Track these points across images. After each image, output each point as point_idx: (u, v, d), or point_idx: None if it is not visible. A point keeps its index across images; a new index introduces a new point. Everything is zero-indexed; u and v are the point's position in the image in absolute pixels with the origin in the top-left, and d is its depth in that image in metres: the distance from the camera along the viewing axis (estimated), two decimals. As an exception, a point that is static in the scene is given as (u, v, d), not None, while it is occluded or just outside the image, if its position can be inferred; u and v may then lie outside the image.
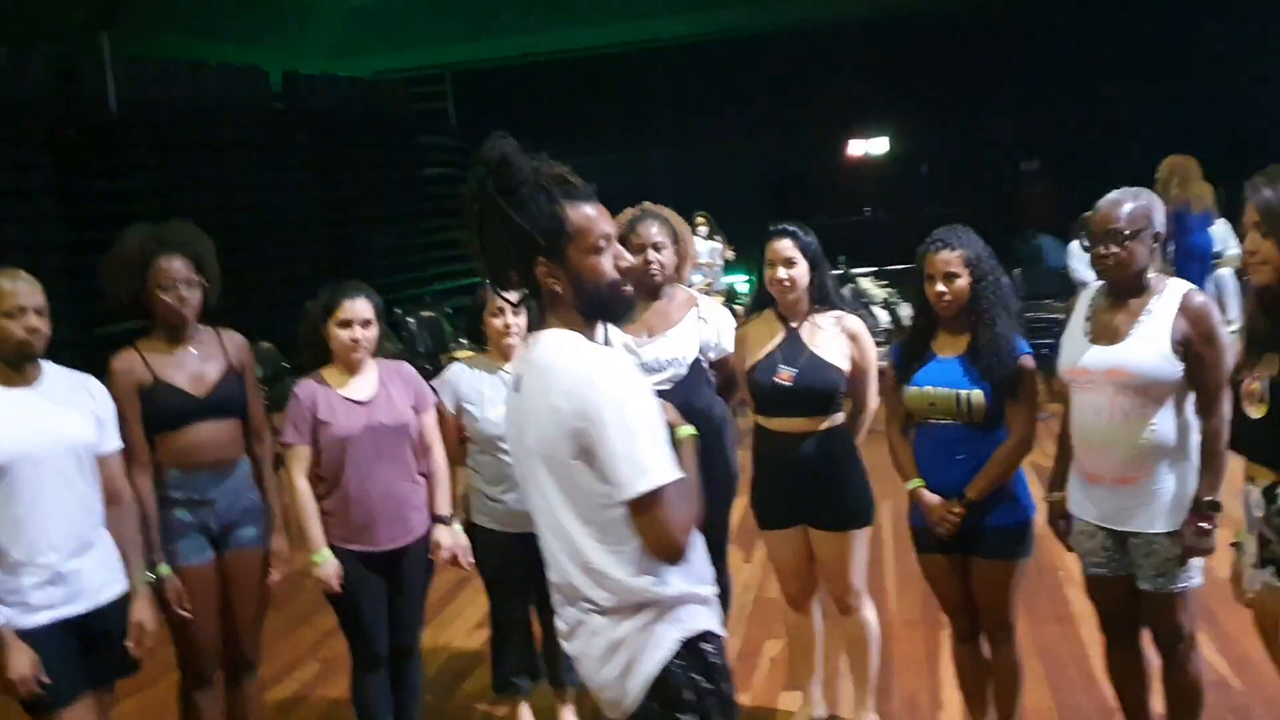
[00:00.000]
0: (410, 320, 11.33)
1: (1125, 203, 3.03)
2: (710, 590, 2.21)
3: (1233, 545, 2.83)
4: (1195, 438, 3.03)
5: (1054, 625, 4.60)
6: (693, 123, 20.31)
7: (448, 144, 18.18)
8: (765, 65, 19.44)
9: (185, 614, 3.37)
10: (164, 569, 3.34)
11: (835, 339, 3.59)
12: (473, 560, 3.74)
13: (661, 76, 19.53)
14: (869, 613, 3.74)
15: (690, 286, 12.88)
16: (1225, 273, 10.47)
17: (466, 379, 3.74)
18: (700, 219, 12.46)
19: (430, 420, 3.71)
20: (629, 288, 2.19)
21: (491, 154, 2.13)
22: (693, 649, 2.13)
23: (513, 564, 3.62)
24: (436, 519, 3.68)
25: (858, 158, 20.66)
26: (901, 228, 14.70)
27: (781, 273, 3.56)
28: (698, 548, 2.16)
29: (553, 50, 18.42)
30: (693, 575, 2.16)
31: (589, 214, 2.14)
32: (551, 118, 17.70)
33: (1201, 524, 2.97)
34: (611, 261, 2.16)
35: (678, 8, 17.04)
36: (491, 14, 17.10)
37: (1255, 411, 2.61)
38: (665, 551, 2.06)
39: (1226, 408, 2.89)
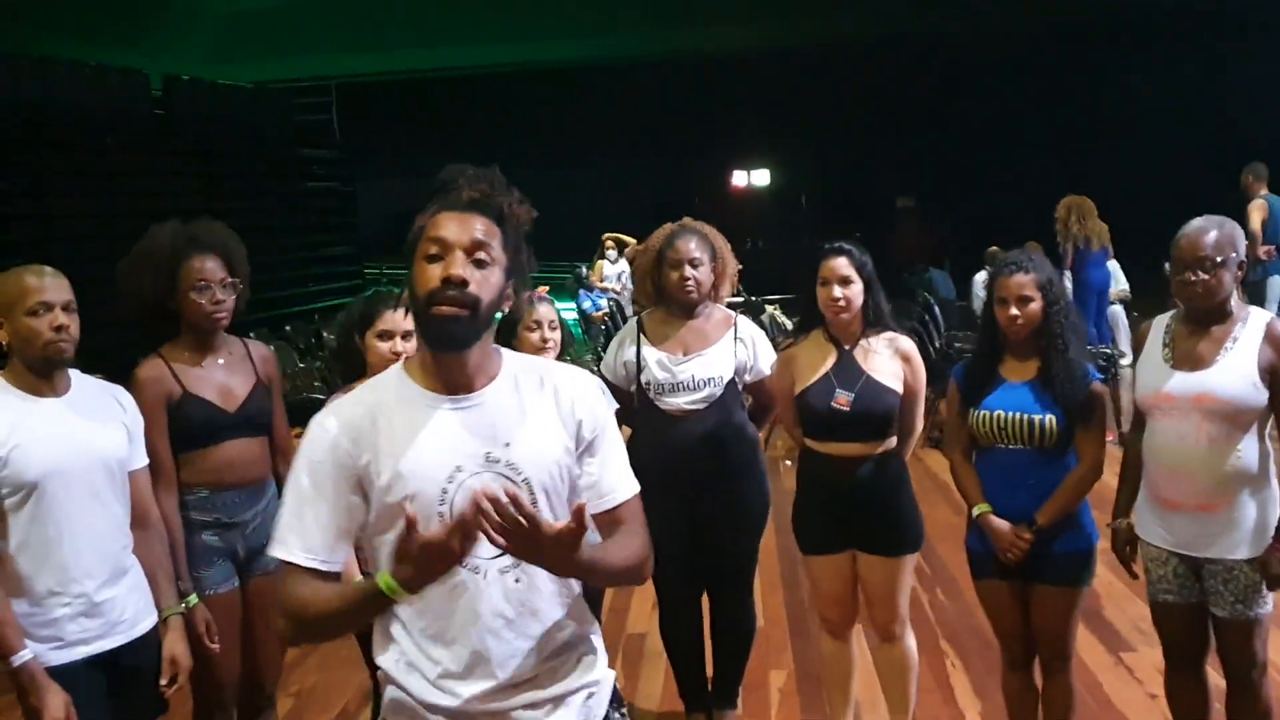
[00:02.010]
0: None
1: (1211, 230, 3.01)
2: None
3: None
4: (1274, 465, 3.05)
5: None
6: (578, 145, 20.30)
7: (331, 157, 17.70)
8: (651, 92, 19.57)
9: (213, 647, 3.08)
10: (193, 598, 3.05)
11: (889, 361, 3.51)
12: None
13: (549, 98, 19.47)
14: (911, 640, 3.67)
15: (596, 310, 12.71)
16: (1116, 308, 10.90)
17: None
18: (609, 242, 12.36)
19: None
20: (443, 307, 1.79)
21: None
22: None
23: None
24: None
25: (741, 188, 20.95)
26: (784, 258, 14.90)
27: (837, 291, 3.45)
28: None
29: (441, 67, 18.16)
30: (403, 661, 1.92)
31: (435, 217, 1.86)
32: (437, 134, 17.48)
33: (1287, 550, 2.98)
34: (438, 272, 1.81)
35: (565, 32, 17.03)
36: (379, 28, 16.80)
37: None
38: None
39: (1309, 435, 2.93)
